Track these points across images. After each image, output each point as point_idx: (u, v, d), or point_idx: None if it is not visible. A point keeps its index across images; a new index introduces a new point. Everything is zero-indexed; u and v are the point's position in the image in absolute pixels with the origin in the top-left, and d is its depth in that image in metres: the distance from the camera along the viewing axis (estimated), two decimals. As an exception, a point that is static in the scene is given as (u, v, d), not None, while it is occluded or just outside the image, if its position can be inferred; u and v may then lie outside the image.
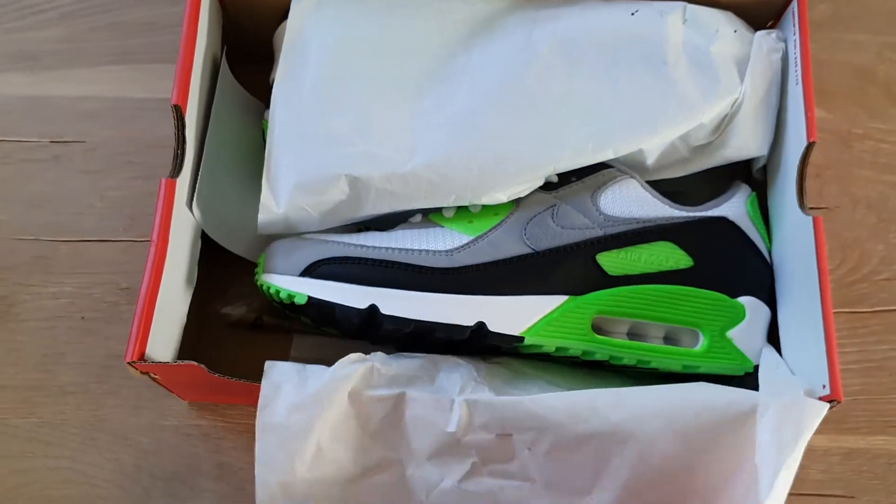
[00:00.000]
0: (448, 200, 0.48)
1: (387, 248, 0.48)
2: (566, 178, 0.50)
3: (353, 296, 0.46)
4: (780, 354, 0.49)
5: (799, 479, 0.54)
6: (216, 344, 0.56)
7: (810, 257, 0.46)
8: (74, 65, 0.63)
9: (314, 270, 0.47)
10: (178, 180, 0.48)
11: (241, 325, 0.56)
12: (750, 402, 0.43)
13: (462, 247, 0.48)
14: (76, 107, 0.62)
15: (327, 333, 0.54)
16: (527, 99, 0.49)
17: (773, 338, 0.50)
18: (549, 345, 0.47)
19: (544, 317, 0.47)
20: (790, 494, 0.54)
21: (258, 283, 0.49)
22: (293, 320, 0.54)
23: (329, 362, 0.46)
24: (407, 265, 0.47)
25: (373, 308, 0.46)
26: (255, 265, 0.51)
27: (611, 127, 0.48)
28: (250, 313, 0.55)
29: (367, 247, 0.48)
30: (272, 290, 0.48)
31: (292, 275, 0.48)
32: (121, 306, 0.57)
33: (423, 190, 0.48)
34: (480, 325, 0.46)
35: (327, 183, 0.48)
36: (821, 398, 0.43)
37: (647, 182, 0.52)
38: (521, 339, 0.47)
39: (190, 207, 0.49)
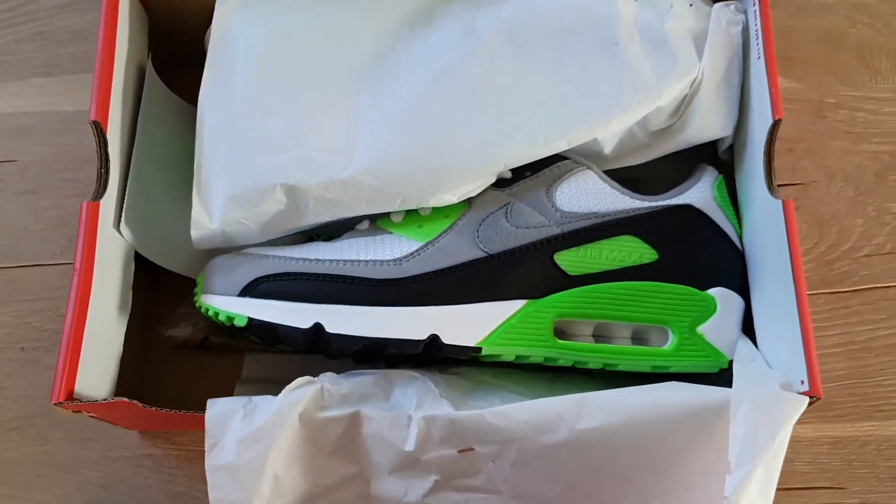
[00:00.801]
0: (393, 205, 0.45)
1: (331, 261, 0.45)
2: (520, 172, 0.47)
3: (296, 315, 0.43)
4: (757, 346, 0.46)
5: (785, 473, 0.52)
6: (163, 369, 0.53)
7: (782, 243, 0.43)
8: (0, 80, 0.60)
9: (254, 289, 0.44)
10: (104, 201, 0.45)
11: (188, 347, 0.53)
12: (722, 399, 0.41)
13: (411, 254, 0.45)
14: (5, 124, 0.59)
15: (281, 350, 0.51)
16: (472, 91, 0.45)
17: (749, 328, 0.47)
18: (509, 353, 0.45)
19: (501, 324, 0.44)
20: (778, 490, 0.51)
21: (197, 304, 0.46)
22: (243, 338, 0.51)
23: (284, 380, 0.44)
24: (352, 278, 0.44)
25: (317, 327, 0.43)
26: (200, 283, 0.47)
27: (562, 116, 0.45)
28: (196, 334, 0.52)
29: (310, 260, 0.45)
30: (211, 313, 0.45)
31: (231, 295, 0.45)
32: (62, 334, 0.54)
33: (366, 196, 0.45)
34: (434, 338, 0.43)
35: (262, 194, 0.45)
36: (800, 394, 0.40)
37: (608, 171, 0.49)
38: (478, 349, 0.44)
39: (118, 228, 0.46)
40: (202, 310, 0.46)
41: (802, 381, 0.41)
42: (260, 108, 0.46)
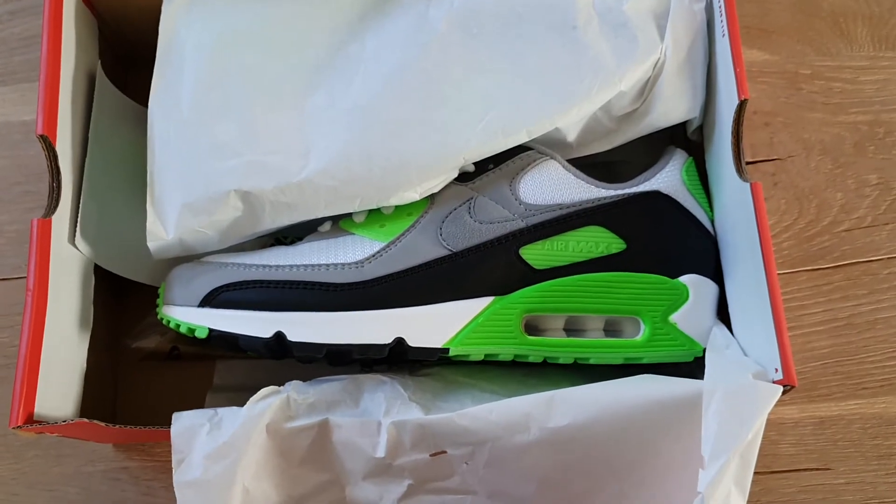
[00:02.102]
0: (353, 206, 0.44)
1: (290, 267, 0.44)
2: (483, 166, 0.45)
3: (257, 324, 0.42)
4: (732, 332, 0.45)
5: (770, 455, 0.52)
6: (134, 381, 0.52)
7: (752, 228, 0.41)
8: (-46, 91, 0.58)
9: (214, 299, 0.43)
10: (57, 216, 0.44)
11: (158, 358, 0.52)
12: (694, 391, 0.40)
13: (373, 256, 0.44)
14: (-38, 137, 0.58)
15: (252, 356, 0.51)
16: (426, 86, 0.44)
17: (726, 314, 0.46)
18: (477, 353, 0.44)
19: (468, 323, 0.43)
20: (762, 474, 0.51)
21: (159, 316, 0.45)
22: (212, 346, 0.50)
23: (257, 386, 0.43)
24: (313, 283, 0.43)
25: (279, 336, 0.42)
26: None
27: (520, 107, 0.44)
28: (165, 344, 0.51)
29: (270, 266, 0.44)
30: (173, 325, 0.44)
31: (191, 306, 0.44)
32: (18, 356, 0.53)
33: (323, 197, 0.44)
34: (399, 342, 0.42)
35: (216, 201, 0.44)
36: (774, 383, 0.39)
37: (576, 159, 0.47)
38: (445, 350, 0.43)
39: (73, 242, 0.45)
40: (164, 321, 0.45)
41: (777, 369, 0.40)
42: (209, 113, 0.45)
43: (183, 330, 0.44)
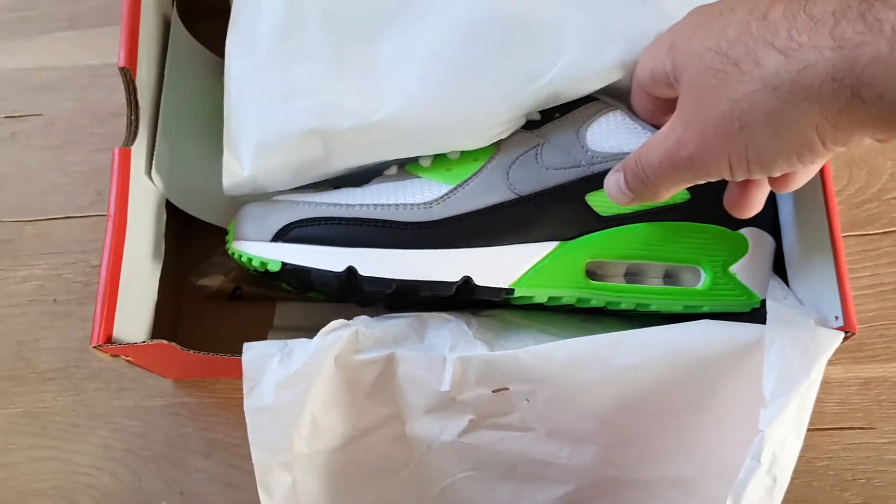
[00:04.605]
0: (423, 149, 0.45)
1: (361, 206, 0.45)
2: (549, 114, 0.46)
3: (329, 258, 0.44)
4: (788, 286, 0.46)
5: (816, 413, 0.52)
6: (196, 318, 0.53)
7: (815, 180, 0.43)
8: (23, 35, 0.60)
9: (286, 234, 0.44)
10: (134, 148, 0.45)
11: (220, 297, 0.53)
12: (755, 335, 0.41)
13: (441, 198, 0.45)
14: (30, 79, 0.59)
15: (311, 298, 0.52)
16: (498, 32, 0.45)
17: (779, 268, 0.47)
18: (541, 295, 0.45)
19: (534, 266, 0.44)
20: (807, 430, 0.52)
21: (229, 251, 0.46)
22: (274, 287, 0.52)
23: (316, 328, 0.44)
24: (384, 222, 0.44)
25: (351, 270, 0.43)
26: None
27: (591, 54, 0.44)
28: (228, 283, 0.52)
29: (341, 205, 0.45)
30: (244, 259, 0.45)
31: (264, 240, 0.45)
32: (93, 286, 0.55)
33: (395, 140, 0.45)
34: (466, 280, 0.44)
35: (292, 140, 0.45)
36: (834, 329, 0.40)
37: (637, 113, 0.48)
38: (510, 291, 0.44)
39: (149, 175, 0.46)
40: (235, 256, 0.46)
41: (836, 317, 0.41)
42: (286, 56, 0.45)
43: (255, 264, 0.45)
